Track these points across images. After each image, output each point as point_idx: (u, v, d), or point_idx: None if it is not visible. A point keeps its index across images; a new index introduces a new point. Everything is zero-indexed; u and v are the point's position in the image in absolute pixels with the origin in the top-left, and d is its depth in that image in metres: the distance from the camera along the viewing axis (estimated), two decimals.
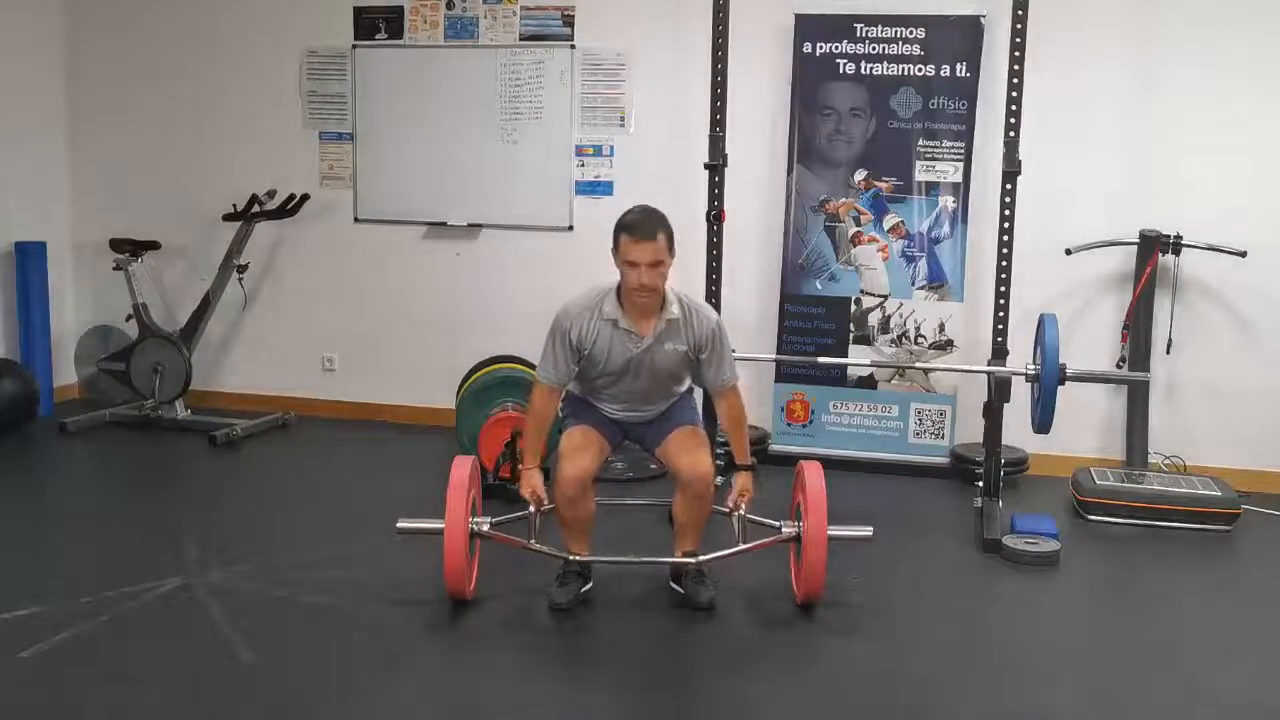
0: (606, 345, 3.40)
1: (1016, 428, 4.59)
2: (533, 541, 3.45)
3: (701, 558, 3.49)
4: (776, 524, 3.51)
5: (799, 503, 3.50)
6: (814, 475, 3.44)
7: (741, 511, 3.46)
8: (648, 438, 3.58)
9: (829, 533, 3.35)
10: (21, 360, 5.83)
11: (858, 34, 5.09)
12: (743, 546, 3.49)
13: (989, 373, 4.48)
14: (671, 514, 3.62)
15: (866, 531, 3.52)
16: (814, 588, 3.41)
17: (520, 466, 3.62)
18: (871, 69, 5.09)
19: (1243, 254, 4.77)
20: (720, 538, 3.59)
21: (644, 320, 3.38)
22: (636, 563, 3.71)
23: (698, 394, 3.72)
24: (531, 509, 3.45)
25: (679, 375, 3.52)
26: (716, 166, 4.70)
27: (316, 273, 6.02)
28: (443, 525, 3.33)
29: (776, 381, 5.29)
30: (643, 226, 3.28)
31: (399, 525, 3.51)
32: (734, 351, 3.65)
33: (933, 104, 5.04)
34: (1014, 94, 4.48)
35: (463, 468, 3.44)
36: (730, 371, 3.53)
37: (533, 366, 3.82)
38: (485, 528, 3.48)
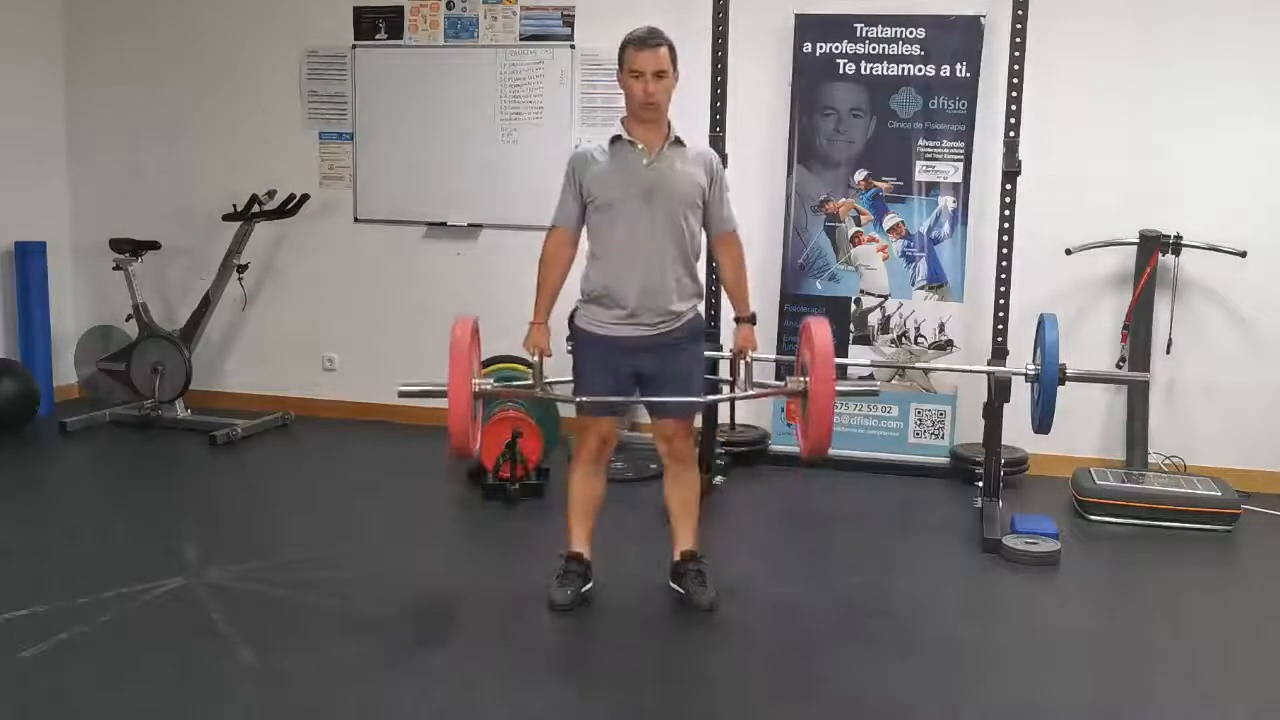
0: (614, 167, 3.39)
1: (1016, 428, 4.58)
2: (538, 391, 3.51)
3: (708, 398, 3.47)
4: (782, 381, 3.53)
5: (805, 360, 3.43)
6: (820, 329, 3.36)
7: (747, 360, 3.49)
8: (659, 382, 3.47)
9: (836, 387, 3.32)
10: (21, 360, 5.83)
11: (858, 34, 5.10)
12: (749, 393, 3.52)
13: (989, 373, 4.48)
14: (667, 513, 3.62)
15: (874, 386, 3.52)
16: (820, 440, 3.33)
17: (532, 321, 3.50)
18: (871, 69, 5.09)
19: (1243, 254, 4.77)
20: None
21: (649, 137, 3.40)
22: (633, 402, 3.71)
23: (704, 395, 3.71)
24: (535, 360, 3.46)
25: (691, 209, 3.41)
26: None
27: (316, 273, 6.02)
28: (445, 385, 3.28)
29: (776, 381, 5.28)
30: (647, 37, 3.39)
31: (400, 388, 3.47)
32: None
33: (933, 104, 5.05)
34: (1014, 94, 4.48)
35: (465, 325, 3.37)
36: (732, 215, 3.54)
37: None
38: (488, 386, 3.49)
